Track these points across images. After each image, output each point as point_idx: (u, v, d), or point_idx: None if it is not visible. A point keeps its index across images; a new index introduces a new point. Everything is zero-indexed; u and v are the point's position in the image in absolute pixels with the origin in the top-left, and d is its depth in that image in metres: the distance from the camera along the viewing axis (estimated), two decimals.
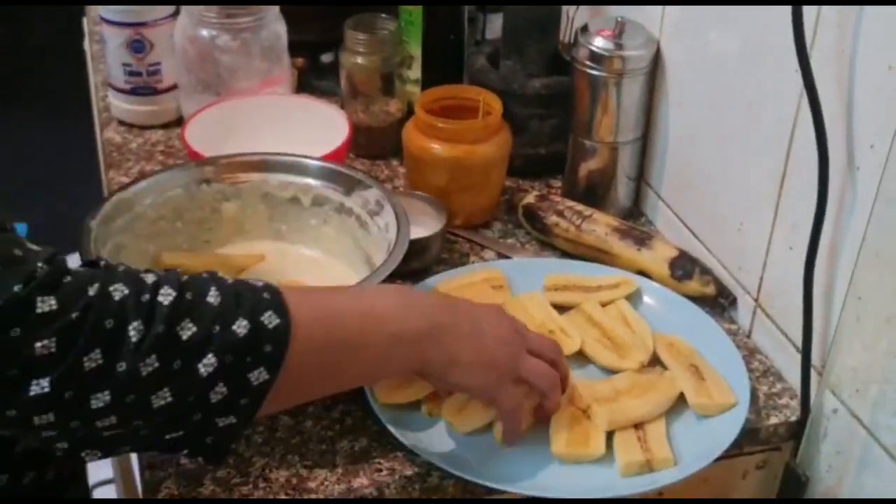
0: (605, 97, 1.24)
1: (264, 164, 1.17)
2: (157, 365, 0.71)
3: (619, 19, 1.21)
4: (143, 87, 1.46)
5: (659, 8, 1.22)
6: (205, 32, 1.36)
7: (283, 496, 0.93)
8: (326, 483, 0.95)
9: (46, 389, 0.69)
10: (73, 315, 0.70)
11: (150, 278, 0.75)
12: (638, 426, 1.00)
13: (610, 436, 0.99)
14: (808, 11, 0.93)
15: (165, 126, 1.49)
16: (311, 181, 1.16)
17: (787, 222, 1.05)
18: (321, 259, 1.18)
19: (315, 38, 1.57)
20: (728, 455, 0.99)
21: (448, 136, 1.24)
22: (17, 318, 0.68)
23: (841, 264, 0.97)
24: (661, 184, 1.29)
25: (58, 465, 0.93)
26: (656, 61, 1.24)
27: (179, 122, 1.46)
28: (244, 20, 1.36)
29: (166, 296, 0.73)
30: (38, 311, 0.69)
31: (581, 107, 1.27)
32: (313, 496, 0.93)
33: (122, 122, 1.50)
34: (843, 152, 0.95)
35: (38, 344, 0.68)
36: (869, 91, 0.91)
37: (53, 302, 0.69)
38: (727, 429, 0.99)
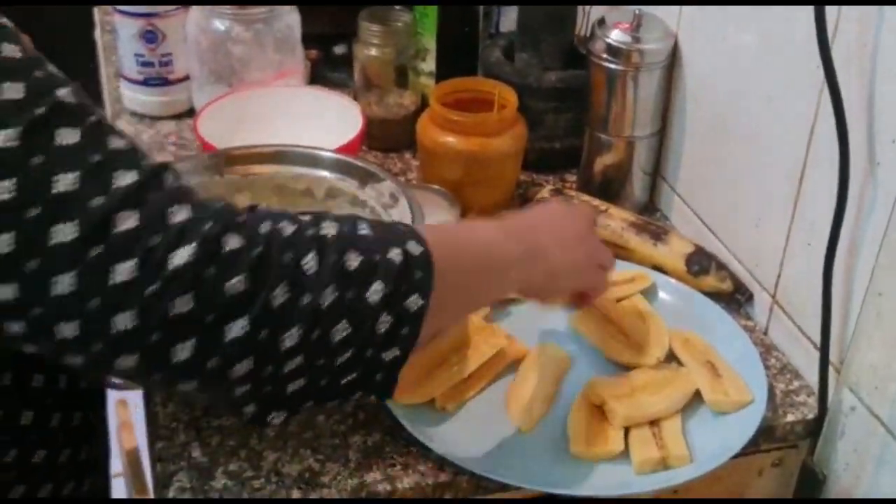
0: (621, 91, 1.23)
1: (278, 156, 1.16)
2: (335, 296, 0.71)
3: (637, 12, 1.20)
4: (156, 77, 1.46)
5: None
6: (218, 23, 1.35)
7: (295, 490, 0.93)
8: (339, 477, 0.94)
9: (246, 329, 0.68)
10: (257, 251, 0.69)
11: (304, 217, 0.75)
12: (653, 423, 0.99)
13: (625, 433, 0.98)
14: (830, 6, 0.92)
15: (177, 117, 1.48)
16: (324, 173, 1.15)
17: (806, 218, 1.04)
18: None
19: (328, 30, 1.56)
20: (744, 452, 0.98)
21: (463, 129, 1.23)
22: (210, 257, 0.67)
23: (860, 261, 0.96)
24: (677, 179, 1.28)
25: (72, 445, 0.93)
26: (674, 55, 1.23)
27: (191, 113, 1.45)
28: (257, 11, 1.35)
29: (328, 228, 0.74)
30: (227, 249, 0.68)
31: (597, 101, 1.26)
32: (326, 490, 0.93)
33: (133, 113, 1.49)
34: (864, 148, 0.94)
35: (231, 282, 0.68)
36: (891, 86, 0.90)
37: (238, 239, 0.69)
38: (744, 426, 0.99)
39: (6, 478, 0.88)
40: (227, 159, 1.15)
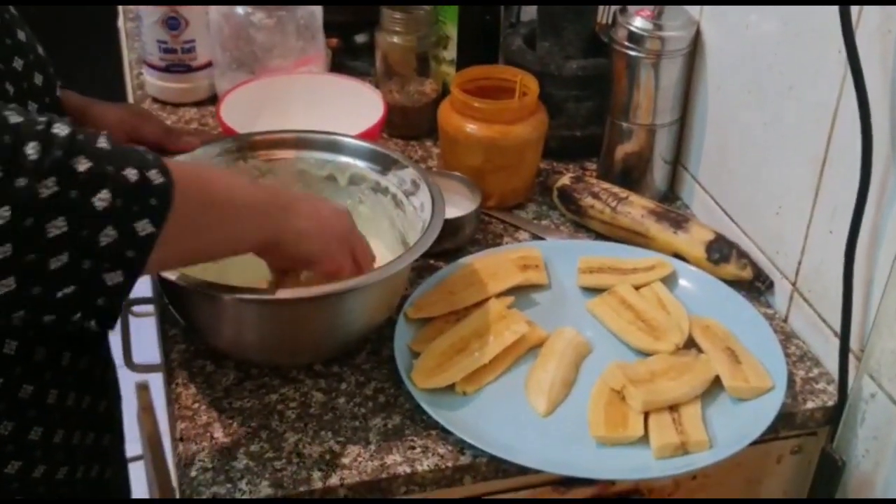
0: (642, 79, 1.23)
1: (301, 142, 1.16)
2: (55, 189, 0.70)
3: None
4: (178, 64, 1.46)
5: None
6: (240, 10, 1.36)
7: (315, 471, 0.93)
8: (359, 459, 0.95)
9: None
10: None
11: (40, 116, 0.73)
12: (673, 408, 0.99)
13: (645, 418, 0.99)
14: None
15: (199, 103, 1.49)
16: (347, 160, 1.15)
17: (828, 206, 1.04)
18: None
19: (349, 19, 1.57)
20: (763, 439, 0.98)
21: (484, 117, 1.23)
22: None
23: (882, 248, 0.96)
24: (697, 167, 1.28)
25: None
26: (696, 42, 1.23)
27: (213, 100, 1.46)
28: None
29: (61, 129, 0.72)
30: None
31: (618, 88, 1.26)
32: (346, 472, 0.93)
33: (156, 100, 1.50)
34: (887, 135, 0.93)
35: None
36: None
37: None
38: (763, 413, 0.99)
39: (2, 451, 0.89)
40: (249, 145, 1.15)
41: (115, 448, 1.11)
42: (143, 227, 0.74)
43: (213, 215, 0.83)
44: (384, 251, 1.14)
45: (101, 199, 0.72)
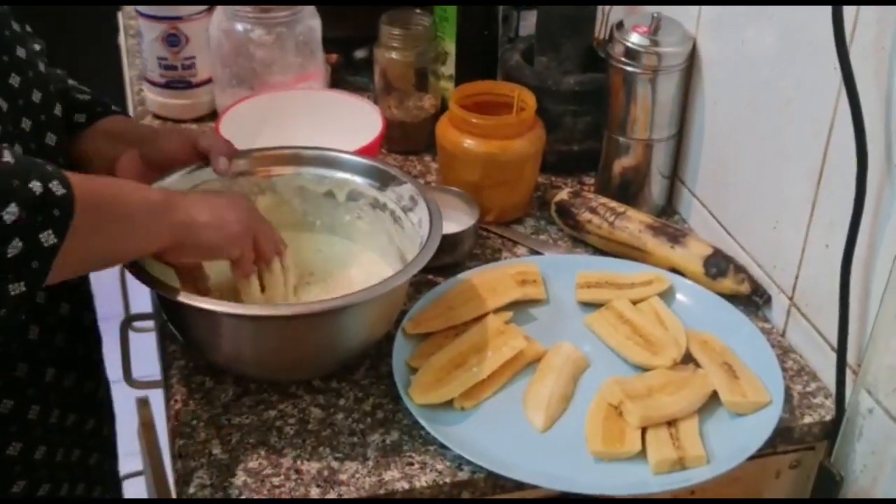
0: (639, 94, 1.23)
1: (300, 158, 1.17)
2: None
3: (656, 16, 1.21)
4: (178, 80, 1.47)
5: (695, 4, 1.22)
6: (239, 26, 1.37)
7: (314, 488, 0.94)
8: (357, 476, 0.95)
9: None
10: None
11: None
12: (671, 423, 1.00)
13: (642, 433, 0.99)
14: (848, 8, 0.93)
15: (199, 120, 1.50)
16: (346, 176, 1.15)
17: (824, 220, 1.04)
18: (356, 251, 1.17)
19: (349, 34, 1.57)
20: (761, 454, 0.99)
21: (482, 132, 1.24)
22: None
23: (878, 262, 0.96)
24: (695, 182, 1.29)
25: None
26: (692, 58, 1.23)
27: (213, 115, 1.47)
28: (279, 15, 1.36)
29: None
30: None
31: (616, 103, 1.26)
32: (344, 488, 0.94)
33: (156, 116, 1.51)
34: (882, 150, 0.94)
35: None
36: None
37: None
38: (761, 427, 0.99)
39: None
40: (249, 161, 1.16)
41: (104, 467, 1.11)
42: (47, 237, 0.77)
43: (113, 222, 0.85)
44: (383, 266, 1.14)
45: (10, 212, 0.74)
